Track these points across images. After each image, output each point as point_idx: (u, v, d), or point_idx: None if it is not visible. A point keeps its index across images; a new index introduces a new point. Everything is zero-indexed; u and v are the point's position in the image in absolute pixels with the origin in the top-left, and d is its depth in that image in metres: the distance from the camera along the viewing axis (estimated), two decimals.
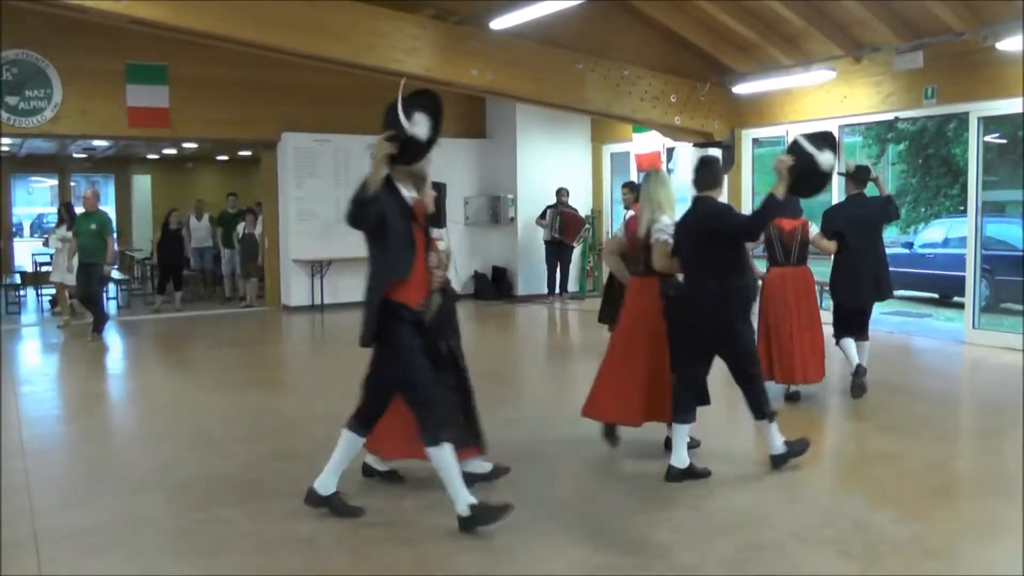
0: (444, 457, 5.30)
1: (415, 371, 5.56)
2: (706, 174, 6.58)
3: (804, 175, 6.37)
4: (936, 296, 17.05)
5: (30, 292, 18.26)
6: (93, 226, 12.94)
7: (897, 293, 18.15)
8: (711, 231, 6.33)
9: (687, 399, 6.46)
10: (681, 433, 6.41)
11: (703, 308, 6.33)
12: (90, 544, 5.28)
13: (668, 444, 6.74)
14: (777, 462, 6.49)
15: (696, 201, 6.56)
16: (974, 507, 6.01)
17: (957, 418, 8.58)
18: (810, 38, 13.17)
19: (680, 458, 6.34)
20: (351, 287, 16.42)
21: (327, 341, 13.92)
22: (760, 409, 6.47)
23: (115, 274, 18.60)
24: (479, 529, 5.29)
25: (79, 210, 13.61)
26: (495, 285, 17.99)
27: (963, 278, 12.44)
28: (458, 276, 17.59)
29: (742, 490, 6.22)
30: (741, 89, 14.66)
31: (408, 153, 5.69)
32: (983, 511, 5.87)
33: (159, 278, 17.33)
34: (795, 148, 6.52)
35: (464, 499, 5.31)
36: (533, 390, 10.21)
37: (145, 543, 5.33)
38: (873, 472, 6.62)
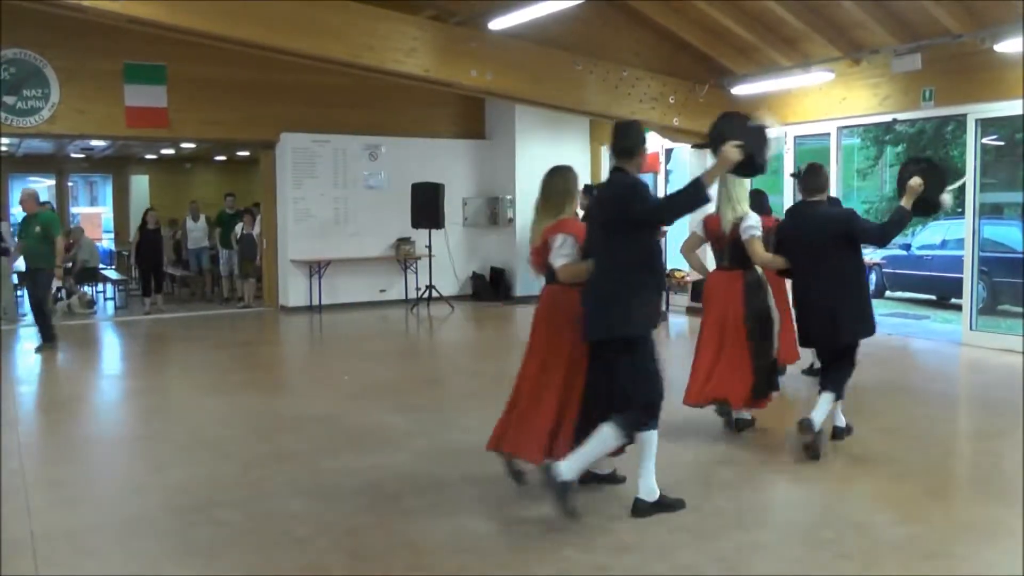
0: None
1: (656, 364, 5.60)
2: (816, 179, 7.00)
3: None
4: (934, 298, 17.07)
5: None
6: (37, 228, 12.19)
7: (895, 295, 18.24)
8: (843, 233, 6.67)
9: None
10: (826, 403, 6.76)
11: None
12: (87, 545, 5.27)
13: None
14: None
15: (805, 206, 6.96)
16: (972, 509, 5.99)
17: (955, 420, 8.58)
18: (809, 40, 13.17)
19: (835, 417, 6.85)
20: (349, 288, 16.49)
21: (325, 342, 13.92)
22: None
23: (112, 274, 18.62)
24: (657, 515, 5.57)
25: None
26: (493, 286, 17.98)
27: (961, 280, 12.45)
28: (456, 277, 17.64)
29: (741, 491, 6.22)
30: (740, 90, 14.66)
31: (743, 167, 5.85)
32: (980, 513, 5.86)
33: (141, 280, 17.12)
34: (924, 168, 6.81)
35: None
36: None
37: (143, 544, 5.32)
38: (871, 474, 6.61)
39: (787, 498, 6.07)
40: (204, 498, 6.03)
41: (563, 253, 5.78)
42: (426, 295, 16.77)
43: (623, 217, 5.50)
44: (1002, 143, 18.66)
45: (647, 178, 16.51)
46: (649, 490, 5.64)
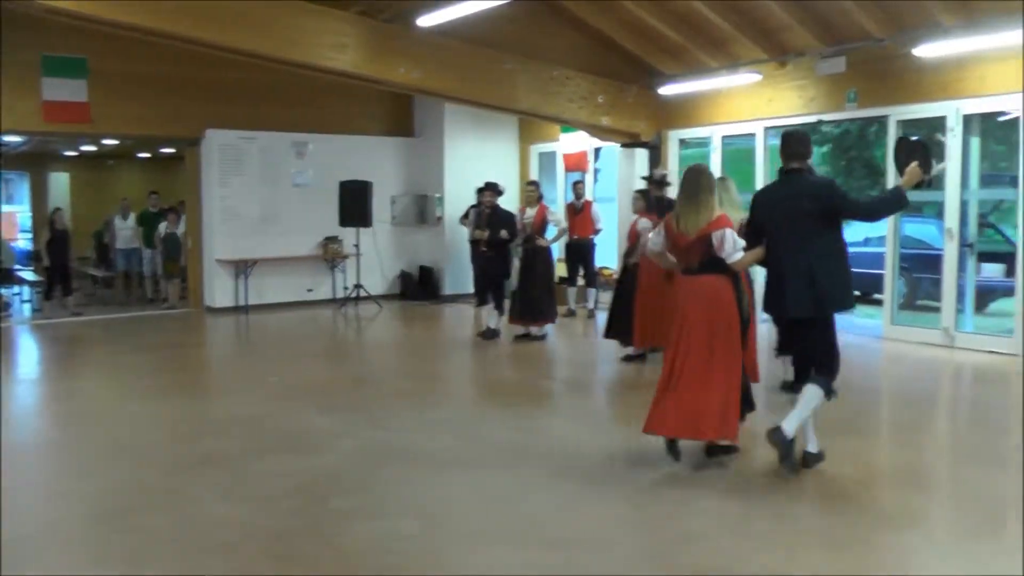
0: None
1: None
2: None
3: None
4: (858, 293, 17.34)
5: None
6: None
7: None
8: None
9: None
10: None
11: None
12: (4, 556, 5.16)
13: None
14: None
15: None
16: (889, 498, 6.17)
17: (877, 412, 8.75)
18: (736, 42, 13.36)
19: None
20: (276, 288, 16.36)
21: (252, 343, 13.78)
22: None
23: (29, 275, 18.21)
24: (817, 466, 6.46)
25: None
26: (422, 285, 17.96)
27: (882, 276, 12.78)
28: (384, 276, 17.59)
29: (672, 486, 6.31)
30: (668, 91, 14.82)
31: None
32: (897, 502, 6.04)
33: (47, 281, 16.34)
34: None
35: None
36: (461, 390, 10.21)
37: (62, 553, 5.22)
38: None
39: (717, 492, 6.16)
40: (126, 505, 5.94)
41: (739, 247, 6.47)
42: (354, 294, 16.70)
43: (834, 210, 6.38)
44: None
45: (574, 176, 16.62)
46: (792, 428, 6.38)
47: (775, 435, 6.36)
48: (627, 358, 10.99)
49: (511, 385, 10.39)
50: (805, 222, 6.38)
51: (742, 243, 6.51)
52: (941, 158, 9.19)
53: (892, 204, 6.50)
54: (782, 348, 8.41)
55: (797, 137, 6.68)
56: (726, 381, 6.49)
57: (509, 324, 12.71)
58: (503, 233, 12.54)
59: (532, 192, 12.74)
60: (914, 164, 6.47)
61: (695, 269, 6.65)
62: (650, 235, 7.21)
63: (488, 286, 12.95)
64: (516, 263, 12.74)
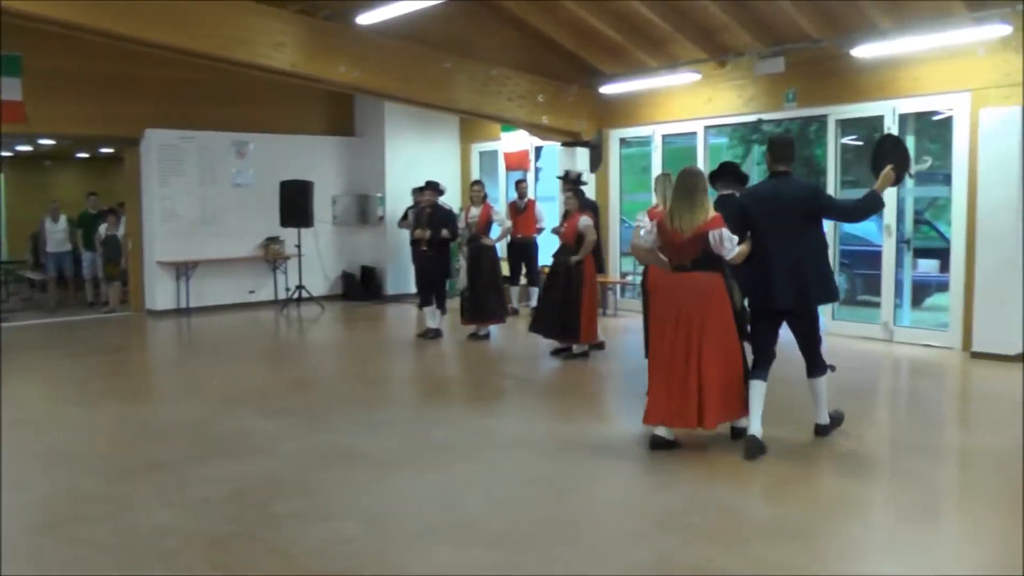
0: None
1: None
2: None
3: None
4: None
5: None
6: None
7: None
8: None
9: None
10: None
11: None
12: None
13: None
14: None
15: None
16: (831, 487, 6.31)
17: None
18: (676, 42, 13.47)
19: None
20: (218, 290, 16.23)
21: (194, 346, 13.64)
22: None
23: None
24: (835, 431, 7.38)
25: None
26: (364, 286, 17.91)
27: None
28: (326, 277, 17.52)
29: (614, 483, 6.36)
30: (608, 90, 14.91)
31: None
32: (839, 491, 6.17)
33: None
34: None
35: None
36: (403, 391, 10.20)
37: None
38: (739, 459, 6.83)
39: (654, 486, 6.23)
40: (65, 515, 5.86)
41: (735, 244, 6.87)
42: (296, 296, 16.61)
43: (820, 211, 7.06)
44: (861, 143, 19.36)
45: (516, 175, 16.67)
46: (824, 416, 7.42)
47: (749, 441, 6.89)
48: (557, 352, 11.29)
49: (453, 385, 10.42)
50: (792, 221, 6.94)
51: (736, 239, 6.91)
52: (918, 161, 9.70)
53: (871, 207, 7.04)
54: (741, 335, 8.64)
55: (784, 142, 7.33)
56: (725, 369, 6.90)
57: (462, 324, 12.74)
58: (444, 232, 12.56)
59: (477, 192, 12.75)
60: (888, 169, 6.99)
61: (687, 266, 6.98)
62: (641, 232, 7.37)
63: (430, 286, 12.94)
64: (462, 263, 12.72)
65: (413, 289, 17.28)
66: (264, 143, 16.85)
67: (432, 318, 12.95)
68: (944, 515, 5.93)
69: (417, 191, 16.52)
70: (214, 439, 7.63)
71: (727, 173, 8.23)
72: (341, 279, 18.11)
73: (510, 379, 10.50)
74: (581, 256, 10.96)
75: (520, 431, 7.90)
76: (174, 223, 16.00)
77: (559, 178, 11.89)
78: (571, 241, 11.12)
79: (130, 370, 11.65)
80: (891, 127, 11.72)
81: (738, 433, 7.25)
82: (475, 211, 12.51)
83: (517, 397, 9.51)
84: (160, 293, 15.98)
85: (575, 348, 11.22)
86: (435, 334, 12.84)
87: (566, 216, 11.43)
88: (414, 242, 16.29)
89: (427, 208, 12.89)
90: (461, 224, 12.85)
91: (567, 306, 11.02)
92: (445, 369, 11.42)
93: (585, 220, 11.04)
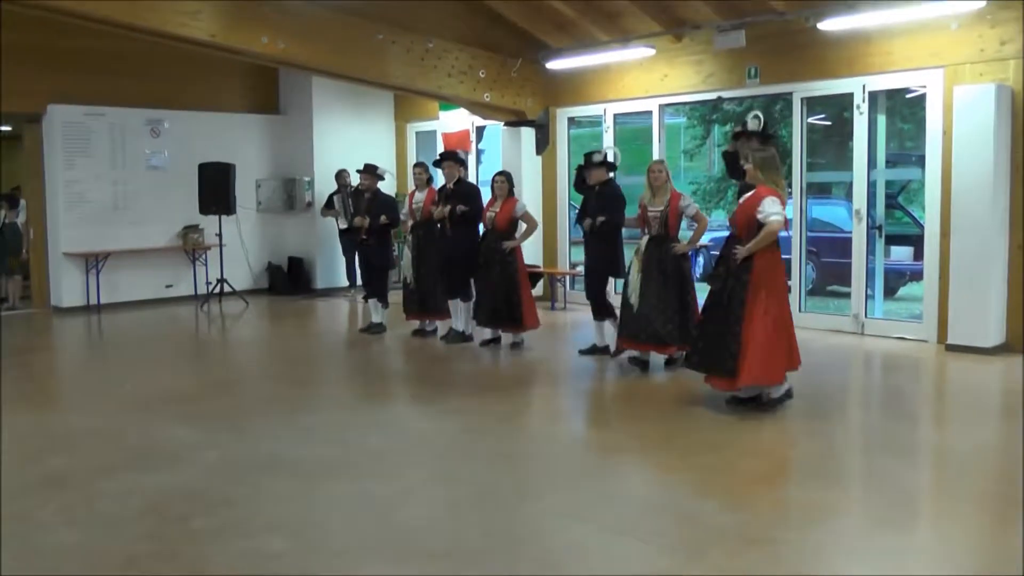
0: None
1: None
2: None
3: None
4: None
5: None
6: None
7: None
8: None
9: None
10: None
11: None
12: None
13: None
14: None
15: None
16: (797, 492, 6.40)
17: (784, 403, 8.92)
18: (629, 14, 13.50)
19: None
20: (132, 283, 16.07)
21: (105, 346, 13.46)
22: None
23: None
24: None
25: None
26: (292, 278, 17.83)
27: (788, 261, 13.01)
28: (251, 269, 17.40)
29: (559, 489, 6.39)
30: (556, 65, 14.93)
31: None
32: (805, 495, 6.25)
33: None
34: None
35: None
36: (336, 392, 10.16)
37: None
38: (698, 461, 6.90)
39: (608, 491, 6.26)
40: None
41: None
42: (217, 290, 16.48)
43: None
44: (829, 123, 19.60)
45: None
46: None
47: None
48: (486, 343, 11.81)
49: (393, 385, 10.40)
50: None
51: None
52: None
53: None
54: None
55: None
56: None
57: (406, 319, 12.72)
58: (382, 219, 12.50)
59: (420, 175, 12.65)
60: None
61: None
62: (775, 210, 8.04)
63: (371, 277, 12.89)
64: (406, 252, 12.63)
65: (344, 282, 17.29)
66: (181, 121, 16.68)
67: (376, 312, 12.91)
68: (919, 518, 6.03)
69: (341, 175, 16.50)
70: (127, 449, 7.55)
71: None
72: (267, 271, 18.01)
73: (456, 377, 10.50)
74: (519, 242, 11.47)
75: (466, 435, 7.91)
76: (81, 210, 15.78)
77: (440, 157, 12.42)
78: (505, 227, 11.45)
79: (33, 374, 11.47)
80: (860, 106, 11.86)
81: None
82: (420, 196, 12.44)
83: (464, 398, 9.48)
84: (66, 288, 15.77)
85: (513, 337, 11.68)
86: (378, 329, 12.81)
87: (493, 200, 11.64)
88: (343, 231, 16.26)
89: (366, 193, 12.83)
90: (404, 211, 12.79)
91: (508, 294, 11.35)
92: (384, 368, 11.40)
93: (522, 205, 11.59)
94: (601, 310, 10.97)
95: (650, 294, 9.84)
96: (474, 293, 12.01)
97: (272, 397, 9.56)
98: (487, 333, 11.88)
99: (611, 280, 11.66)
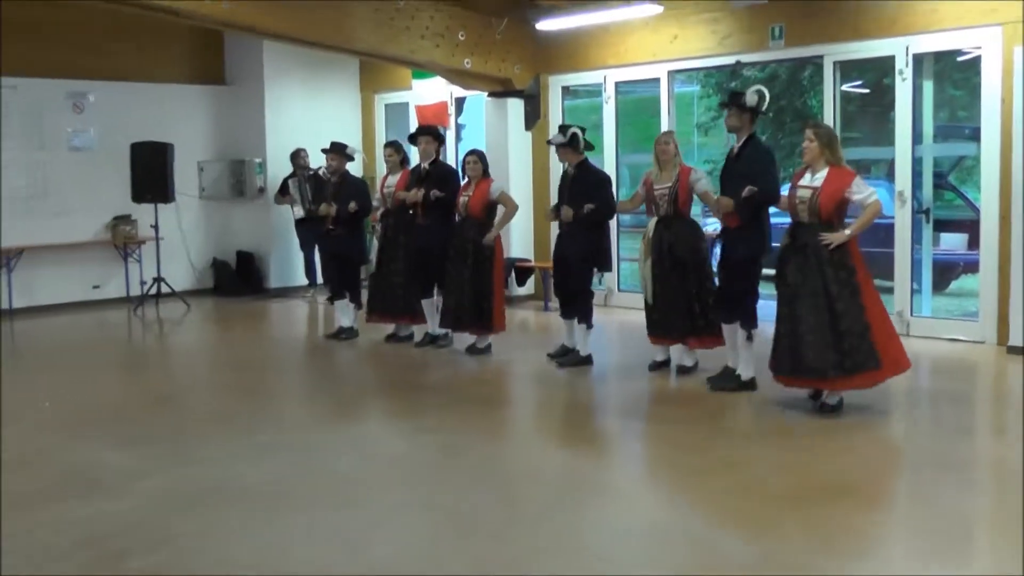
0: None
1: None
2: None
3: None
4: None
5: None
6: None
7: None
8: None
9: None
10: None
11: None
12: None
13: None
14: None
15: None
16: (833, 515, 6.34)
17: (816, 415, 8.90)
18: None
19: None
20: (52, 284, 16.01)
21: (21, 357, 13.33)
22: None
23: None
24: None
25: None
26: (241, 276, 17.83)
27: None
28: (193, 266, 17.37)
29: (554, 516, 6.41)
30: (547, 26, 14.90)
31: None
32: (844, 519, 6.24)
33: None
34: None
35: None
36: (295, 409, 10.14)
37: None
38: (714, 482, 6.93)
39: (609, 516, 6.27)
40: None
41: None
42: (154, 290, 16.44)
43: None
44: (866, 91, 19.62)
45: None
46: None
47: None
48: (472, 349, 11.84)
49: (360, 400, 10.37)
50: None
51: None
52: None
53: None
54: None
55: None
56: None
57: (367, 321, 12.72)
58: (351, 206, 12.44)
59: (392, 156, 12.63)
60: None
61: None
62: (870, 188, 8.50)
63: (340, 274, 12.86)
64: (375, 244, 12.61)
65: (303, 280, 17.27)
66: (109, 94, 16.62)
67: (345, 314, 12.91)
68: (978, 548, 6.03)
69: (298, 156, 16.49)
70: (52, 476, 7.52)
71: None
72: (212, 268, 17.99)
73: (434, 390, 10.50)
74: (498, 230, 11.48)
75: (445, 456, 7.92)
76: None
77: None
78: (479, 214, 11.40)
79: None
80: (903, 71, 11.86)
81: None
82: (392, 179, 12.41)
83: (442, 413, 9.47)
84: None
85: (478, 342, 11.76)
86: (349, 334, 12.81)
87: (467, 184, 11.65)
88: (300, 221, 16.22)
89: (333, 177, 12.79)
90: (376, 197, 12.76)
91: (482, 292, 11.37)
92: (351, 380, 11.42)
93: (498, 185, 11.60)
94: (582, 309, 10.98)
95: (667, 286, 10.00)
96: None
97: (220, 414, 9.55)
98: (469, 339, 11.86)
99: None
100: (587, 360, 10.96)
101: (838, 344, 8.35)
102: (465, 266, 11.39)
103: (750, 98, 9.35)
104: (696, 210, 11.03)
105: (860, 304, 8.34)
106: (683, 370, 10.39)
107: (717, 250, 9.97)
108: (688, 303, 10.00)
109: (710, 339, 10.09)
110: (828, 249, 8.31)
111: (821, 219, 8.40)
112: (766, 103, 9.48)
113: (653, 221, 10.12)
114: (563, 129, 10.85)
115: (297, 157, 16.56)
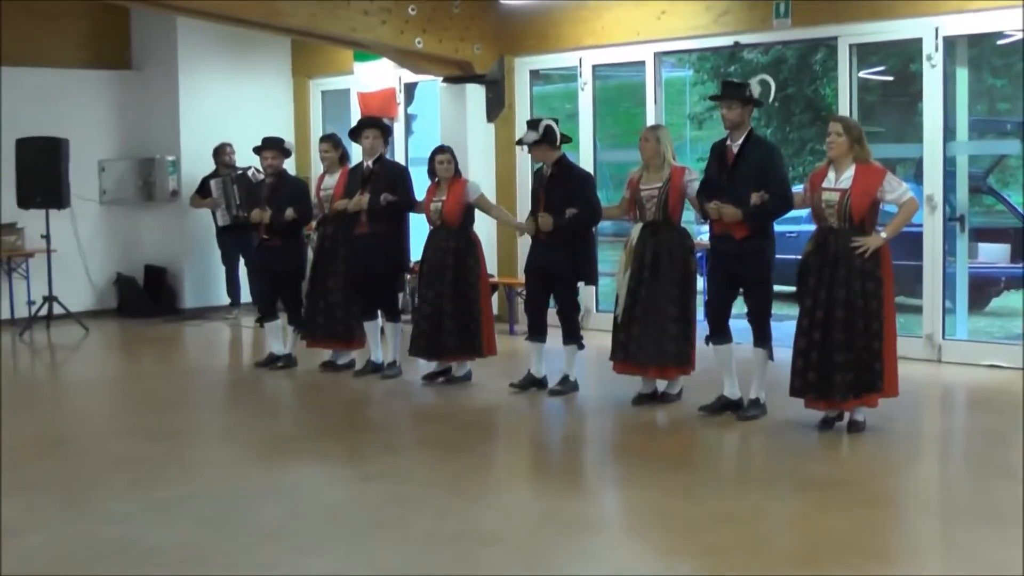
0: None
1: None
2: None
3: None
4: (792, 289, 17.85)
5: None
6: None
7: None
8: None
9: None
10: None
11: None
12: None
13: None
14: None
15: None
16: (855, 571, 6.36)
17: (833, 454, 8.91)
18: None
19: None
20: None
21: None
22: None
23: None
24: None
25: None
26: (150, 294, 17.78)
27: None
28: (91, 282, 17.30)
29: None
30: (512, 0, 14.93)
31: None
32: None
33: None
34: None
35: None
36: (212, 452, 10.09)
37: None
38: (710, 539, 6.91)
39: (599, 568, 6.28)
40: None
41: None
42: (44, 311, 16.37)
43: None
44: (889, 78, 19.70)
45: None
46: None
47: None
48: (432, 377, 11.86)
49: (293, 440, 10.30)
50: None
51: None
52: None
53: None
54: None
55: None
56: None
57: (307, 346, 12.72)
58: (288, 212, 12.39)
59: (329, 152, 12.58)
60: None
61: None
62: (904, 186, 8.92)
63: (274, 292, 12.83)
64: (310, 256, 12.58)
65: (225, 299, 17.22)
66: None
67: (277, 339, 12.87)
68: None
69: (222, 152, 16.45)
70: None
71: None
72: (115, 286, 17.94)
73: (382, 428, 10.49)
74: (513, 222, 12.06)
75: (394, 508, 7.85)
76: None
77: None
78: (456, 221, 11.39)
79: None
80: (932, 56, 11.88)
81: None
82: (330, 180, 12.37)
83: (391, 456, 9.47)
84: None
85: (455, 369, 11.73)
86: (285, 362, 12.79)
87: (436, 187, 11.66)
88: (223, 229, 16.19)
89: (269, 177, 12.76)
90: (312, 201, 12.74)
91: (466, 310, 11.32)
92: (282, 416, 11.40)
93: (474, 185, 11.60)
94: (570, 328, 11.07)
95: (648, 299, 9.98)
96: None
97: (122, 459, 9.45)
98: (431, 366, 11.84)
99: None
100: (575, 386, 11.08)
101: (857, 361, 8.54)
102: (444, 283, 11.32)
103: (754, 90, 9.40)
104: (688, 216, 11.03)
105: (882, 319, 8.57)
106: (666, 398, 10.49)
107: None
108: (663, 325, 9.99)
109: (675, 369, 10.25)
110: (863, 257, 8.38)
111: (853, 223, 8.47)
112: (771, 95, 9.51)
113: (638, 227, 10.11)
114: (534, 124, 10.82)
115: (222, 153, 16.56)
